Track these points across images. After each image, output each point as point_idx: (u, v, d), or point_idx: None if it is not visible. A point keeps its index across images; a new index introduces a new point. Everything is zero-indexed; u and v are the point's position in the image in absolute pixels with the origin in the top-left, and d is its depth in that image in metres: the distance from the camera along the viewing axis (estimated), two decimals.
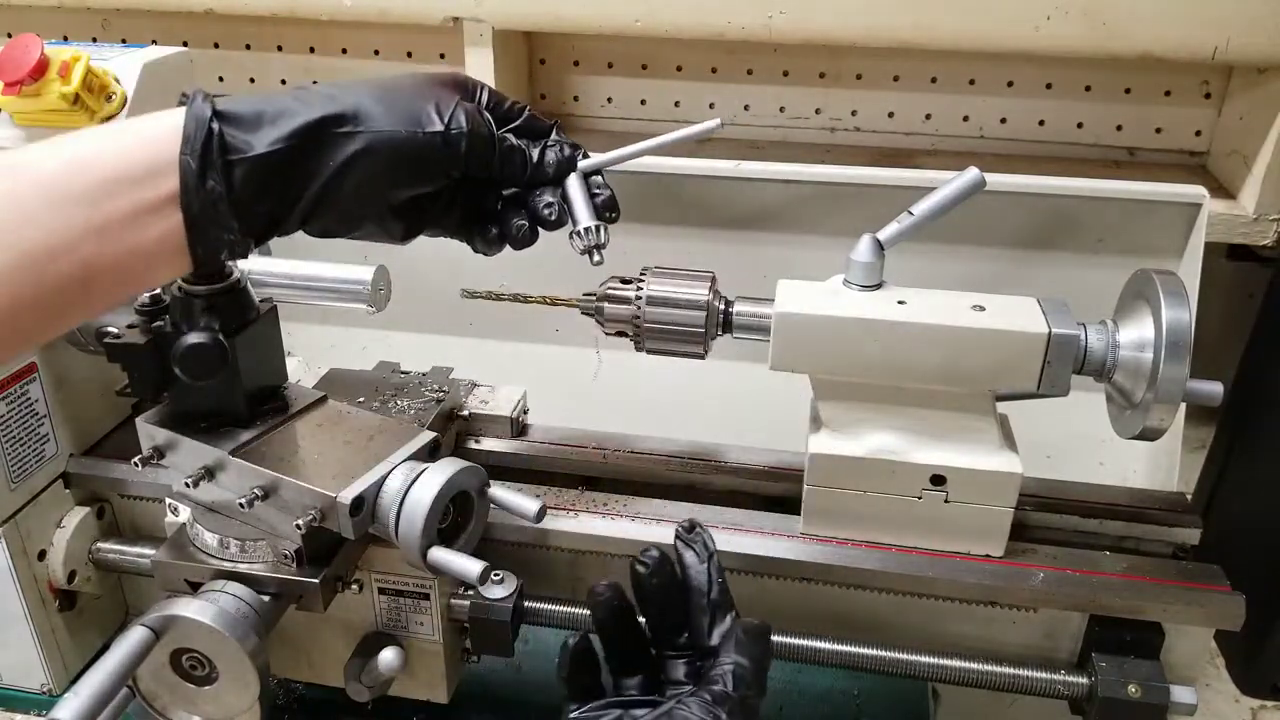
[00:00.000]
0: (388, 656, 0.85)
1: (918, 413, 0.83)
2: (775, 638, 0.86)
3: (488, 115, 0.73)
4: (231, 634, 0.74)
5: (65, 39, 1.27)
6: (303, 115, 0.65)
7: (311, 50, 1.79)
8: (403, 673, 0.87)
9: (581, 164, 0.77)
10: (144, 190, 0.61)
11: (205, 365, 0.76)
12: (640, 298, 0.84)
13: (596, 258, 0.78)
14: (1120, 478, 1.11)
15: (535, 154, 0.76)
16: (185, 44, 1.57)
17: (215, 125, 0.62)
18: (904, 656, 0.85)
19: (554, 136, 0.78)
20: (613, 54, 1.71)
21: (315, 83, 0.66)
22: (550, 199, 0.76)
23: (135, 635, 0.74)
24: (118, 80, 0.95)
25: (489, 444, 1.02)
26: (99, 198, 0.60)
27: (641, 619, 0.75)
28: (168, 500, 0.83)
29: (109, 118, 0.94)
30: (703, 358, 0.85)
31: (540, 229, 0.77)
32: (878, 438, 0.84)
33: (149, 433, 0.81)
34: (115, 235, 0.61)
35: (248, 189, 0.63)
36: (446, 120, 0.68)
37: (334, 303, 0.90)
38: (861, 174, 1.11)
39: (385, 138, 0.67)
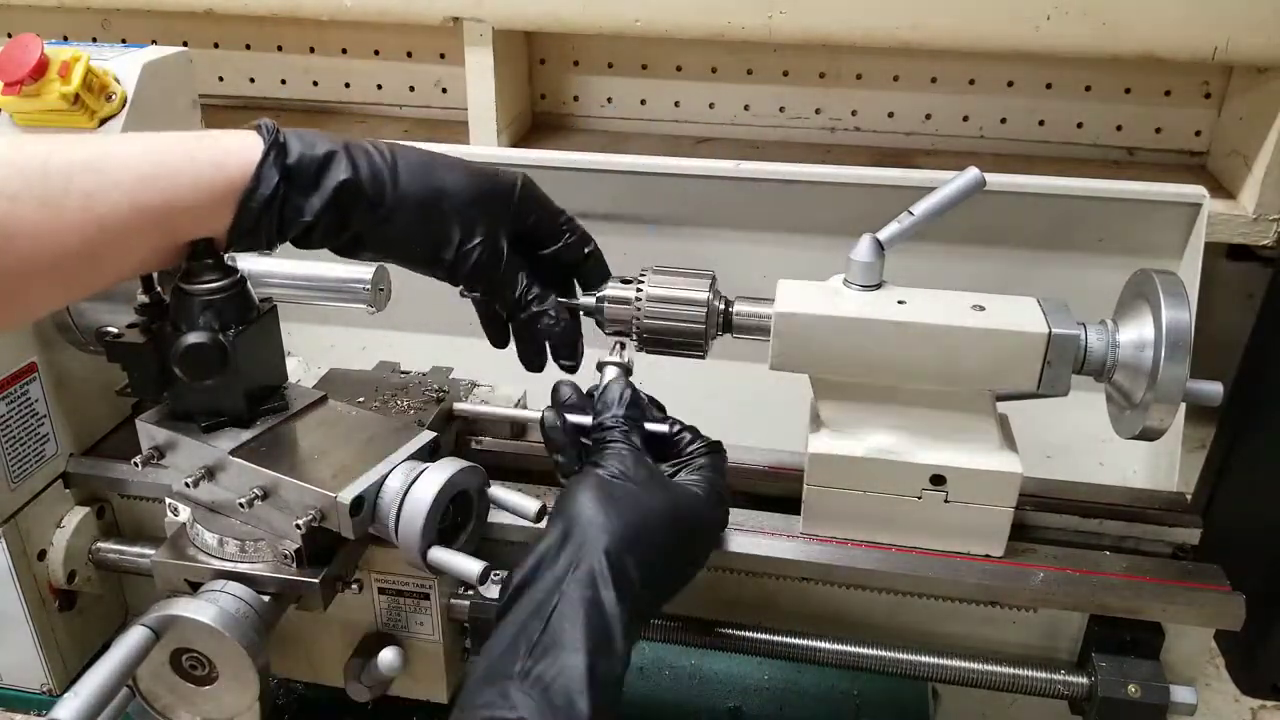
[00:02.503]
0: (388, 656, 0.85)
1: (918, 413, 0.83)
2: (775, 638, 0.87)
3: (504, 253, 0.78)
4: (231, 634, 0.74)
5: (65, 39, 1.27)
6: (357, 226, 0.74)
7: (311, 50, 1.80)
8: (403, 673, 0.87)
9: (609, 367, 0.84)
10: (204, 222, 0.70)
11: (205, 365, 0.76)
12: (640, 298, 0.84)
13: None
14: (1120, 478, 1.11)
15: (535, 306, 0.80)
16: (185, 44, 1.57)
17: (280, 189, 0.70)
18: (904, 656, 0.85)
19: (592, 266, 0.83)
20: (613, 54, 1.71)
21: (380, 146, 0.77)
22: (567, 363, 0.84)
23: (135, 635, 0.74)
24: (118, 80, 0.95)
25: (489, 444, 1.02)
26: (167, 221, 0.69)
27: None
28: (168, 500, 0.83)
29: (109, 118, 0.94)
30: (703, 358, 0.85)
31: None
32: (878, 438, 0.84)
33: (149, 433, 0.81)
34: (169, 249, 0.72)
35: (287, 236, 0.74)
36: (457, 255, 0.77)
37: (334, 303, 0.90)
38: (861, 174, 1.11)
39: (402, 246, 0.77)
